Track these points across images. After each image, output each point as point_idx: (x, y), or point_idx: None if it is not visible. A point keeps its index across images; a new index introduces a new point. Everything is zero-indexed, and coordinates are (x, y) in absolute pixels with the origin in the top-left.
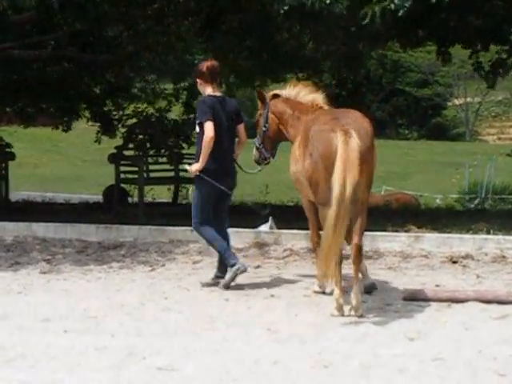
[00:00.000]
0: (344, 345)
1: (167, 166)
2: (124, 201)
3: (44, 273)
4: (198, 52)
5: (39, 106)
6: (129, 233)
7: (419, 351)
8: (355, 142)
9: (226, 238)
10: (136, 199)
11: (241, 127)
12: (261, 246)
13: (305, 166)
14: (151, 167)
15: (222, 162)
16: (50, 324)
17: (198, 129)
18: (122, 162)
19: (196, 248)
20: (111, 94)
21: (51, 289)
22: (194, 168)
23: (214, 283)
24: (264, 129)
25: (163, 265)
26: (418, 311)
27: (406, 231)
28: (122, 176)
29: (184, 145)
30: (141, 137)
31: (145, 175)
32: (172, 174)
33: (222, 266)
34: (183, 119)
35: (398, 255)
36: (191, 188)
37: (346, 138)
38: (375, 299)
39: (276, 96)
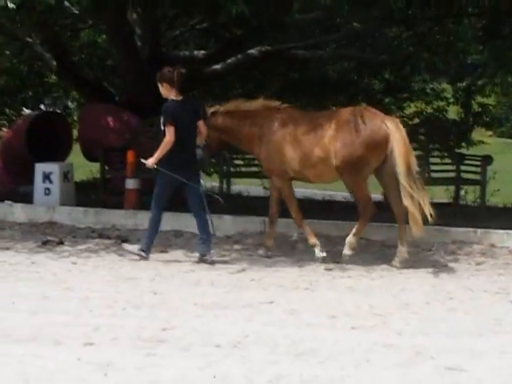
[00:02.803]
0: None
1: (446, 167)
2: None
3: (329, 270)
4: (475, 53)
5: (319, 103)
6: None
7: None
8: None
9: (204, 223)
10: None
11: (200, 122)
12: None
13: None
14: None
15: (183, 156)
16: (336, 320)
17: (162, 127)
18: None
19: (479, 249)
20: (390, 93)
21: (336, 286)
22: (150, 162)
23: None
24: (204, 143)
25: (445, 265)
26: None
27: None
28: None
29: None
30: (422, 137)
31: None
32: (453, 174)
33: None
34: (461, 119)
35: None
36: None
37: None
38: None
39: (214, 113)
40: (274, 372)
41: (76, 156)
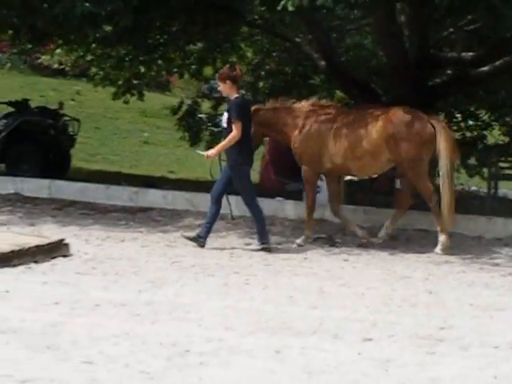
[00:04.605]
0: None
1: None
2: None
3: None
4: None
5: None
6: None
7: None
8: None
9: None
10: None
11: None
12: None
13: None
14: None
15: (249, 150)
16: None
17: (225, 124)
18: None
19: None
20: None
21: None
22: (212, 153)
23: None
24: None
25: None
26: None
27: None
28: None
29: None
30: None
31: None
32: None
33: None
34: None
35: None
36: None
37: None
38: None
39: (257, 110)
40: None
41: None
